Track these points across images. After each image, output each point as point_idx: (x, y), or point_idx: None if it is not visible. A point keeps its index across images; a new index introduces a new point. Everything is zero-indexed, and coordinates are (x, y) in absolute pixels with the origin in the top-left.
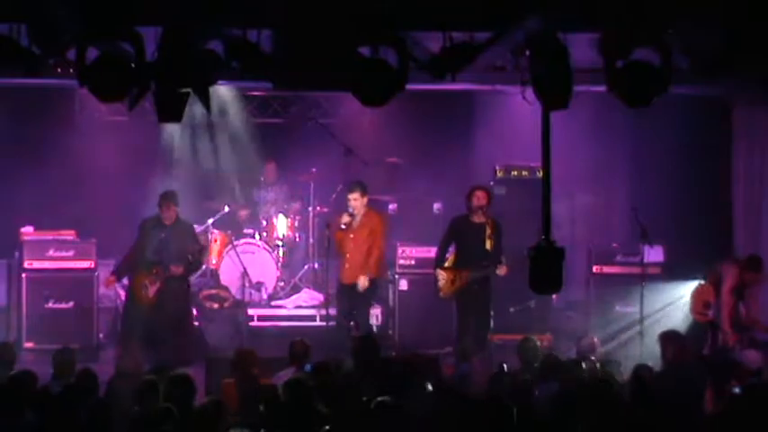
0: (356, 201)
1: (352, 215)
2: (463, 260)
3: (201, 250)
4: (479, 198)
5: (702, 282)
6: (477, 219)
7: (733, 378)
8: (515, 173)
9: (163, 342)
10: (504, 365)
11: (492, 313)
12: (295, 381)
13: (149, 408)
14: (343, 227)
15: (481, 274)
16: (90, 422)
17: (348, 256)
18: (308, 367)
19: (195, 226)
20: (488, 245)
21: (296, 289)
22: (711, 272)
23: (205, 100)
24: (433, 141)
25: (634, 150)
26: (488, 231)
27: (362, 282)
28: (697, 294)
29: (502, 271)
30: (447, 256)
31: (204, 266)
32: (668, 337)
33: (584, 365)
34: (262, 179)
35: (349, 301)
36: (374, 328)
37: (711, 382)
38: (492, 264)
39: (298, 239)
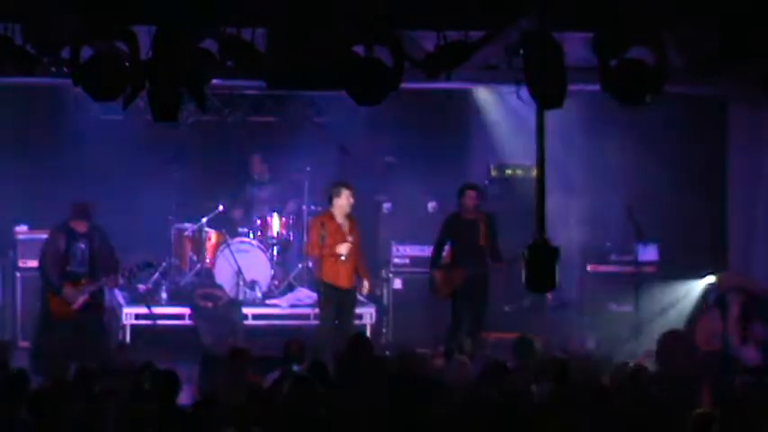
0: (352, 199)
1: (347, 241)
2: (459, 258)
3: (118, 264)
4: (471, 197)
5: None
6: (470, 216)
7: (731, 376)
8: (510, 172)
9: (78, 356)
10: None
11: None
12: (300, 379)
13: (139, 405)
14: (343, 258)
15: (477, 272)
16: (84, 420)
17: (344, 259)
18: (296, 368)
19: (189, 225)
20: (482, 241)
21: (290, 288)
22: (716, 299)
23: (199, 99)
24: (427, 140)
25: (629, 149)
26: (482, 228)
27: (369, 287)
28: (702, 325)
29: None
30: (444, 254)
31: (200, 265)
32: (665, 337)
33: (574, 368)
34: (255, 177)
35: (338, 304)
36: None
37: (708, 380)
38: (492, 260)
39: (292, 238)
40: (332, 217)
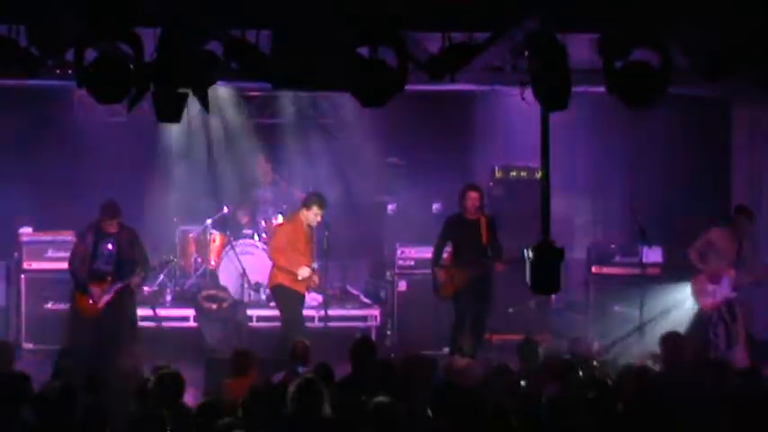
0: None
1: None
2: (461, 259)
3: (146, 260)
4: (473, 199)
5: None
6: (472, 216)
7: (722, 377)
8: (514, 173)
9: (103, 356)
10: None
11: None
12: (306, 381)
13: (145, 407)
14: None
15: (480, 272)
16: (87, 423)
17: (308, 265)
18: (300, 369)
19: (193, 227)
20: (485, 241)
21: None
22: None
23: (204, 100)
24: (432, 142)
25: (633, 150)
26: (484, 228)
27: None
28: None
29: (498, 267)
30: (444, 255)
31: (204, 267)
32: (668, 339)
33: (580, 370)
34: (260, 179)
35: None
36: None
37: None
38: (492, 260)
39: None
40: (301, 223)
